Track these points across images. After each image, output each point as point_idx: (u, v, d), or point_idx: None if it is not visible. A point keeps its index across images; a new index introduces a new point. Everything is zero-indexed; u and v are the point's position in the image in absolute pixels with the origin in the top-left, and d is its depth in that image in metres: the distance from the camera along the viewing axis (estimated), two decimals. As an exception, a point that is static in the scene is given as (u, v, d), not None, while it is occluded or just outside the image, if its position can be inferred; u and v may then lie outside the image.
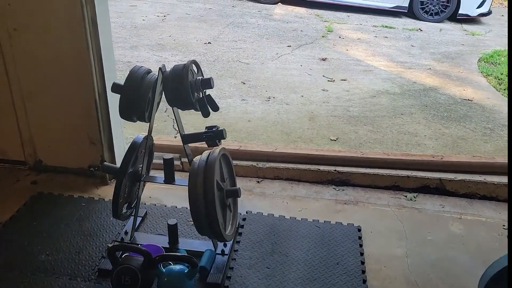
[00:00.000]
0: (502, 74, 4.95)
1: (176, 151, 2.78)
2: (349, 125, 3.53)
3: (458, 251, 2.22)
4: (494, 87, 4.62)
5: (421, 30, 7.01)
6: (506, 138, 3.32)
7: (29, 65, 2.45)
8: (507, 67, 4.81)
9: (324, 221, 2.40)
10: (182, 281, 1.82)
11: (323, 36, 6.31)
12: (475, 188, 2.64)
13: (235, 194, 1.97)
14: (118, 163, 2.56)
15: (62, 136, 2.61)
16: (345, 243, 2.24)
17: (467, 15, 7.66)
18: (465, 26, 7.51)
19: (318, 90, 4.28)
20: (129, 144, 2.01)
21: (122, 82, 2.02)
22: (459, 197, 2.65)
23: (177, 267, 1.86)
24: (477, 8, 7.65)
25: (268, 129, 3.41)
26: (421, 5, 7.64)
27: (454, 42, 6.43)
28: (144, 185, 2.26)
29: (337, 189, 2.71)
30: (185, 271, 1.83)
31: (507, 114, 3.73)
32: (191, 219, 2.07)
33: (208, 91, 2.05)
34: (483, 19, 8.00)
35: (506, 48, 5.79)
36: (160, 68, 1.93)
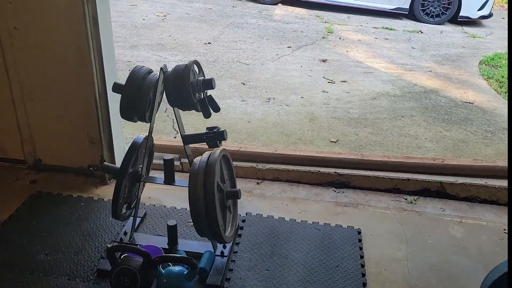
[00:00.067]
0: (503, 77, 4.95)
1: (176, 151, 2.77)
2: (349, 127, 3.52)
3: (459, 255, 2.21)
4: (495, 90, 4.62)
5: (421, 32, 7.01)
6: (507, 142, 3.31)
7: (30, 63, 2.44)
8: (507, 69, 4.80)
9: (324, 223, 2.39)
10: (181, 283, 1.81)
11: (323, 37, 6.30)
12: (476, 191, 2.63)
13: (235, 195, 1.96)
14: (118, 163, 2.56)
15: (62, 135, 2.60)
16: (345, 245, 2.23)
17: (468, 17, 7.66)
18: (466, 29, 7.51)
19: (318, 91, 4.27)
20: (130, 144, 2.00)
21: (122, 81, 2.01)
22: (460, 201, 2.64)
23: (177, 268, 1.86)
24: (478, 10, 7.65)
25: (268, 130, 3.40)
26: (422, 7, 7.64)
27: (454, 45, 6.43)
28: (143, 186, 2.25)
29: (337, 191, 2.70)
30: (185, 272, 1.83)
31: (507, 117, 3.72)
32: (191, 220, 2.07)
33: (208, 92, 2.04)
34: (484, 21, 8.01)
35: (507, 51, 5.79)
36: (161, 68, 1.92)
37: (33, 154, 2.71)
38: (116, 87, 1.96)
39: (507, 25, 7.98)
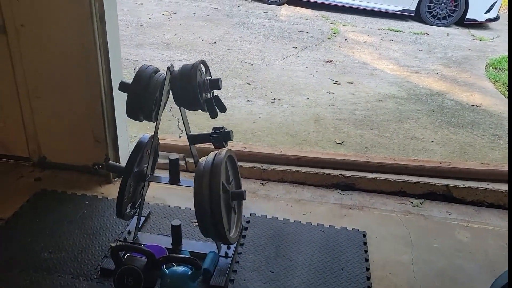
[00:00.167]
0: (510, 80, 4.91)
1: (181, 151, 2.76)
2: (355, 129, 3.50)
3: (465, 259, 2.19)
4: (502, 93, 4.58)
5: (428, 34, 6.98)
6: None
7: (36, 61, 2.44)
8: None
9: (329, 225, 2.37)
10: (185, 283, 1.81)
11: (329, 38, 6.28)
12: (483, 195, 2.61)
13: (241, 196, 1.95)
14: (122, 162, 2.55)
15: (67, 133, 2.60)
16: (350, 248, 2.21)
17: (474, 20, 7.61)
18: (473, 31, 7.47)
19: (323, 92, 4.25)
20: (135, 144, 1.99)
21: (128, 80, 2.00)
22: (466, 205, 2.62)
23: (180, 268, 1.85)
24: (485, 13, 7.60)
25: (273, 131, 3.39)
26: (428, 9, 7.60)
27: (461, 47, 6.39)
28: (148, 185, 2.24)
29: (342, 194, 2.68)
30: (189, 273, 1.82)
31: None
32: (195, 220, 2.06)
33: (215, 92, 2.03)
34: (491, 24, 7.95)
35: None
36: (168, 68, 1.91)
37: (38, 152, 2.71)
38: (123, 86, 1.95)
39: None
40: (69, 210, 2.38)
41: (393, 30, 7.06)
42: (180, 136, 3.15)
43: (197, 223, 1.85)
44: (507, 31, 7.67)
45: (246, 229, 2.30)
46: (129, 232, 2.14)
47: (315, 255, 2.15)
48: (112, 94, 2.47)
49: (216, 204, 1.75)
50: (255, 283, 1.97)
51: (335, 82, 4.55)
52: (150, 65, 1.97)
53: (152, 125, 2.07)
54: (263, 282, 1.98)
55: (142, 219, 2.28)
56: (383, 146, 3.25)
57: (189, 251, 2.04)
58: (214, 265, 1.98)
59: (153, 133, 2.05)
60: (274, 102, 3.95)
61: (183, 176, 2.12)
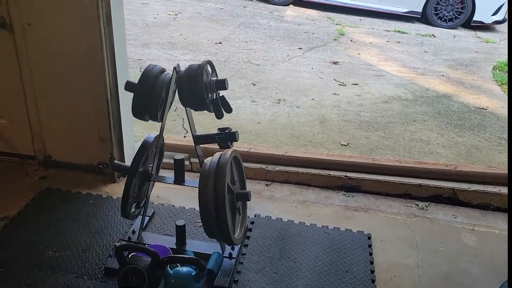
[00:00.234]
0: (516, 83, 4.88)
1: (185, 150, 2.75)
2: (360, 130, 3.49)
3: (471, 263, 2.17)
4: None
5: (434, 36, 6.94)
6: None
7: (42, 60, 2.44)
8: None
9: (334, 227, 2.36)
10: (189, 284, 1.80)
11: (334, 39, 6.26)
12: (489, 199, 2.58)
13: (245, 197, 1.94)
14: (127, 161, 2.55)
15: (72, 132, 2.60)
16: (354, 251, 2.20)
17: (481, 22, 7.56)
18: (479, 33, 7.42)
19: (329, 93, 4.24)
20: (141, 143, 1.99)
21: (133, 79, 2.00)
22: (472, 208, 2.60)
23: (184, 269, 1.84)
24: (492, 15, 7.55)
25: (278, 132, 3.38)
26: (435, 11, 7.56)
27: (468, 49, 6.35)
28: (153, 185, 2.24)
29: (347, 195, 2.67)
30: (192, 273, 1.81)
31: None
32: (199, 220, 2.06)
33: (221, 92, 2.03)
34: (497, 26, 7.90)
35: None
36: (174, 68, 1.91)
37: (43, 150, 2.72)
38: (129, 86, 1.95)
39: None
40: (74, 209, 2.38)
41: (399, 31, 7.03)
42: (185, 136, 3.15)
43: (201, 224, 1.85)
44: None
45: (250, 230, 2.30)
46: (133, 232, 2.14)
47: (319, 257, 2.14)
48: (117, 94, 2.47)
49: (221, 205, 1.74)
50: (259, 284, 1.96)
51: (340, 83, 4.54)
52: (156, 65, 1.97)
53: (157, 124, 2.07)
54: (267, 283, 1.97)
55: (147, 218, 2.28)
56: (388, 148, 3.23)
57: (193, 251, 2.04)
58: (218, 265, 1.98)
59: (158, 133, 2.05)
60: (279, 103, 3.94)
61: (187, 176, 2.12)
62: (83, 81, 2.44)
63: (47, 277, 1.92)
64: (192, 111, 2.04)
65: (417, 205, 2.61)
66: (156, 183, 2.37)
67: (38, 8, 2.32)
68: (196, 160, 2.14)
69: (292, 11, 7.83)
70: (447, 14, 7.54)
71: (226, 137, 1.98)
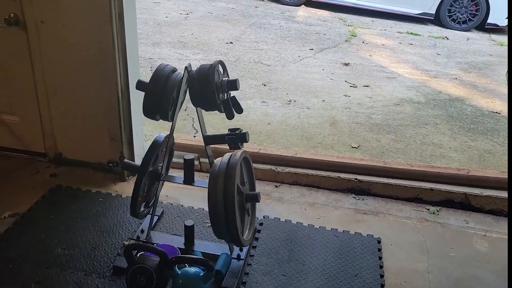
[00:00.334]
0: (531, 87, 4.79)
1: (195, 150, 2.75)
2: (371, 133, 3.46)
3: (482, 269, 2.14)
4: (522, 100, 4.48)
5: (447, 39, 6.86)
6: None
7: (55, 58, 2.46)
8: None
9: (343, 230, 2.34)
10: (197, 284, 1.80)
11: (346, 41, 6.23)
12: (502, 205, 2.54)
13: (255, 198, 1.93)
14: (137, 160, 2.56)
15: (83, 131, 2.62)
16: (364, 254, 2.17)
17: (495, 24, 7.46)
18: (493, 36, 7.32)
19: (340, 95, 4.21)
20: (151, 143, 1.99)
21: (144, 78, 2.00)
22: (485, 214, 2.56)
23: (193, 269, 1.84)
24: (507, 18, 7.45)
25: (288, 133, 3.36)
26: (448, 13, 7.48)
27: (481, 52, 6.27)
28: (162, 184, 2.24)
29: (357, 198, 2.64)
30: (201, 274, 1.81)
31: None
32: (208, 221, 2.05)
33: (232, 93, 2.02)
34: (512, 29, 7.79)
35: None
36: (186, 67, 1.90)
37: (54, 148, 2.73)
38: (140, 85, 1.95)
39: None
40: (84, 206, 2.39)
41: (411, 33, 6.96)
42: (195, 136, 3.15)
43: (210, 224, 1.84)
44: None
45: (259, 231, 2.29)
46: (142, 231, 2.14)
47: (328, 260, 2.12)
48: (128, 93, 2.47)
49: (230, 206, 1.73)
50: (267, 286, 1.95)
51: (351, 85, 4.51)
52: (168, 64, 1.97)
53: (167, 124, 2.07)
54: (275, 285, 1.96)
55: (155, 218, 2.28)
56: (399, 151, 3.20)
57: (201, 251, 2.03)
58: (226, 266, 1.97)
59: (168, 133, 2.05)
60: (289, 104, 3.93)
61: (197, 176, 2.11)
62: (94, 80, 2.45)
63: (56, 274, 1.93)
64: (203, 111, 2.03)
65: (428, 209, 2.57)
66: (166, 183, 2.37)
67: (51, 6, 2.33)
68: (206, 160, 2.14)
69: (303, 12, 7.81)
70: (460, 16, 7.45)
71: (236, 138, 1.97)
